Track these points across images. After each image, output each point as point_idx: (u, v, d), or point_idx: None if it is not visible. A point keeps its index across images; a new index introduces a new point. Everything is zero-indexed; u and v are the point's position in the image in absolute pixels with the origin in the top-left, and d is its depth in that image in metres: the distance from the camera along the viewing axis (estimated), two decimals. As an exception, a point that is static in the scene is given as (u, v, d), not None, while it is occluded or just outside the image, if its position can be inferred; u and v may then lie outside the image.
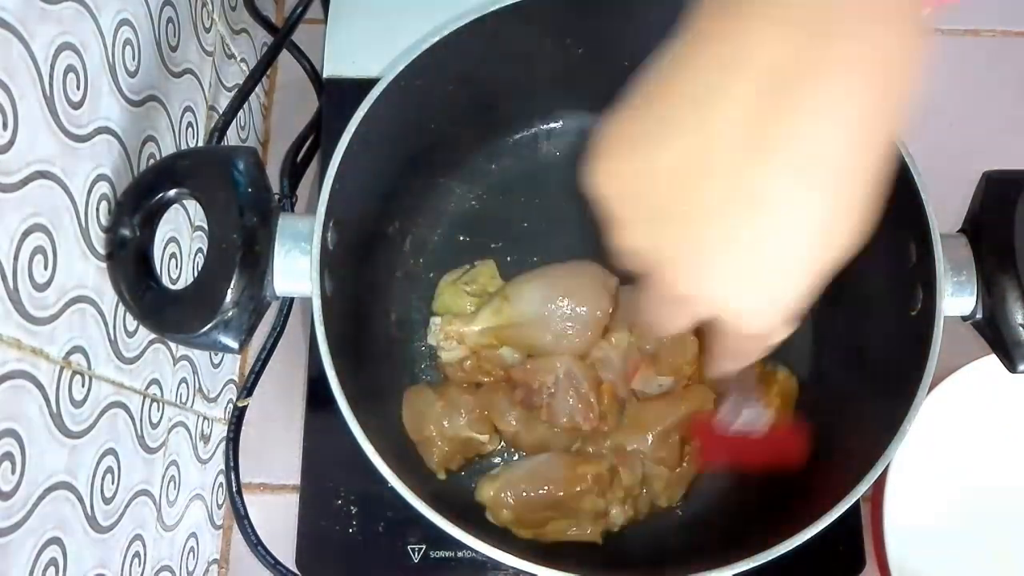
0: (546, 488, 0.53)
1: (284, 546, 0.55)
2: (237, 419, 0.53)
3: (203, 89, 0.58)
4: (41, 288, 0.38)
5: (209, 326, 0.41)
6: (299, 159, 0.64)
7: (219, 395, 0.64)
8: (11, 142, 0.35)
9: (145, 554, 0.51)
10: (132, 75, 0.46)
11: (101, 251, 0.43)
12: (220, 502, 0.65)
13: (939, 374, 0.61)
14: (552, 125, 0.63)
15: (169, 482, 0.54)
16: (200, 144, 0.57)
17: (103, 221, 0.43)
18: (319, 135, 0.65)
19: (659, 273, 0.33)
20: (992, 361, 0.59)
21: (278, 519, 0.63)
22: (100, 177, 0.42)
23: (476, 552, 0.43)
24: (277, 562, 0.52)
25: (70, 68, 0.39)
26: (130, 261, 0.42)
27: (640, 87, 0.32)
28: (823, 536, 0.43)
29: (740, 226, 0.30)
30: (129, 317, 0.46)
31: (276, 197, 0.46)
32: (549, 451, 0.55)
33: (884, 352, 0.51)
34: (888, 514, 0.60)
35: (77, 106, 0.40)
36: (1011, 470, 0.65)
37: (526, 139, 0.63)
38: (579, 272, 0.56)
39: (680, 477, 0.56)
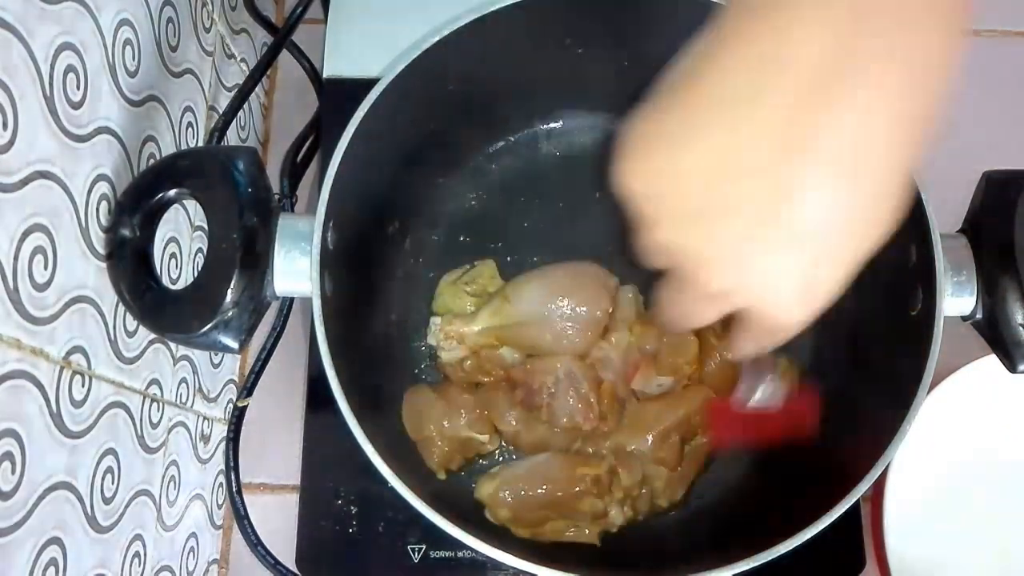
0: (544, 488, 0.53)
1: (284, 546, 0.55)
2: (237, 419, 0.53)
3: (203, 89, 0.58)
4: (41, 288, 0.38)
5: (209, 326, 0.41)
6: (299, 159, 0.64)
7: (219, 395, 0.64)
8: (11, 142, 0.35)
9: (145, 554, 0.51)
10: (132, 75, 0.46)
11: (101, 251, 0.43)
12: (220, 502, 0.65)
13: (939, 374, 0.61)
14: (552, 125, 0.63)
15: (169, 482, 0.54)
16: (200, 144, 0.57)
17: (103, 221, 0.43)
18: (319, 135, 0.65)
19: (692, 270, 0.33)
20: (992, 361, 0.59)
21: (278, 519, 0.63)
22: (100, 177, 0.42)
23: (476, 552, 0.43)
24: (277, 562, 0.52)
25: (70, 68, 0.39)
26: (130, 261, 0.42)
27: (669, 85, 0.32)
28: (823, 536, 0.43)
29: (778, 222, 0.31)
30: (129, 317, 0.46)
31: (276, 197, 0.46)
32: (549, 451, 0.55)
33: (884, 352, 0.51)
34: (888, 514, 0.60)
35: (77, 106, 0.40)
36: (1011, 470, 0.65)
37: (526, 139, 0.63)
38: (579, 272, 0.56)
39: (680, 477, 0.56)
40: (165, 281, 0.47)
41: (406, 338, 0.60)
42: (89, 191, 0.41)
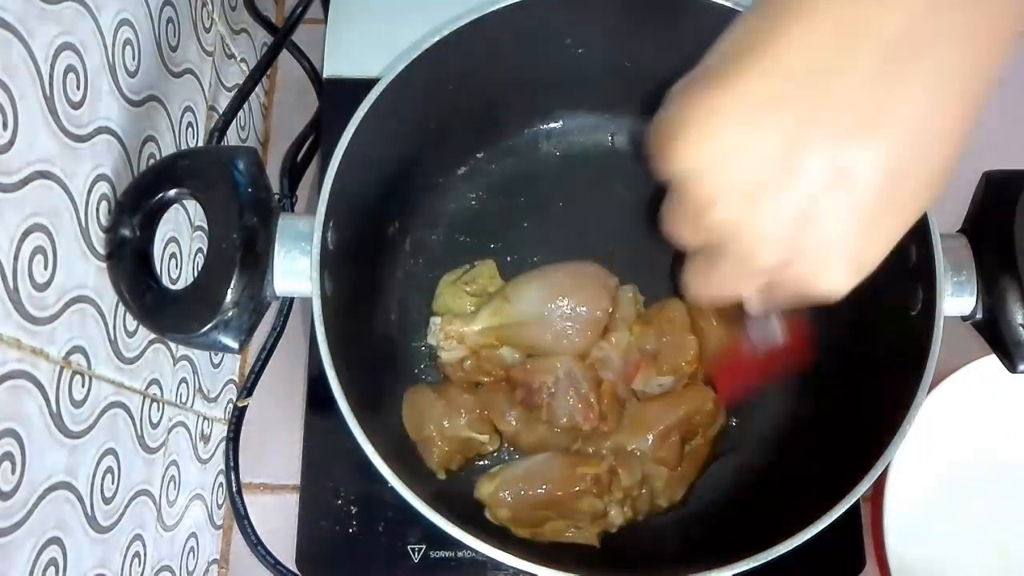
0: (544, 488, 0.53)
1: (284, 546, 0.55)
2: (237, 419, 0.53)
3: (203, 89, 0.58)
4: (41, 288, 0.38)
5: (209, 326, 0.41)
6: (299, 159, 0.64)
7: (219, 395, 0.64)
8: (11, 142, 0.35)
9: (145, 554, 0.51)
10: (132, 75, 0.46)
11: (101, 251, 0.43)
12: (220, 502, 0.65)
13: (939, 374, 0.61)
14: (552, 125, 0.63)
15: (169, 482, 0.54)
16: (200, 144, 0.57)
17: (103, 221, 0.43)
18: (319, 135, 0.65)
19: (747, 247, 0.33)
20: (992, 361, 0.59)
21: (278, 519, 0.63)
22: (100, 177, 0.43)
23: (476, 552, 0.43)
24: (277, 562, 0.52)
25: (70, 68, 0.39)
26: (130, 261, 0.42)
27: (722, 61, 0.32)
28: (823, 536, 0.43)
29: (840, 195, 0.31)
30: (129, 317, 0.46)
31: (276, 197, 0.46)
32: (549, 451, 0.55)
33: (884, 352, 0.51)
34: (888, 514, 0.60)
35: (77, 106, 0.40)
36: (1011, 470, 0.65)
37: (526, 139, 0.63)
38: (579, 272, 0.56)
39: (680, 477, 0.56)
40: (165, 281, 0.47)
41: (406, 338, 0.60)
42: (89, 191, 0.41)
